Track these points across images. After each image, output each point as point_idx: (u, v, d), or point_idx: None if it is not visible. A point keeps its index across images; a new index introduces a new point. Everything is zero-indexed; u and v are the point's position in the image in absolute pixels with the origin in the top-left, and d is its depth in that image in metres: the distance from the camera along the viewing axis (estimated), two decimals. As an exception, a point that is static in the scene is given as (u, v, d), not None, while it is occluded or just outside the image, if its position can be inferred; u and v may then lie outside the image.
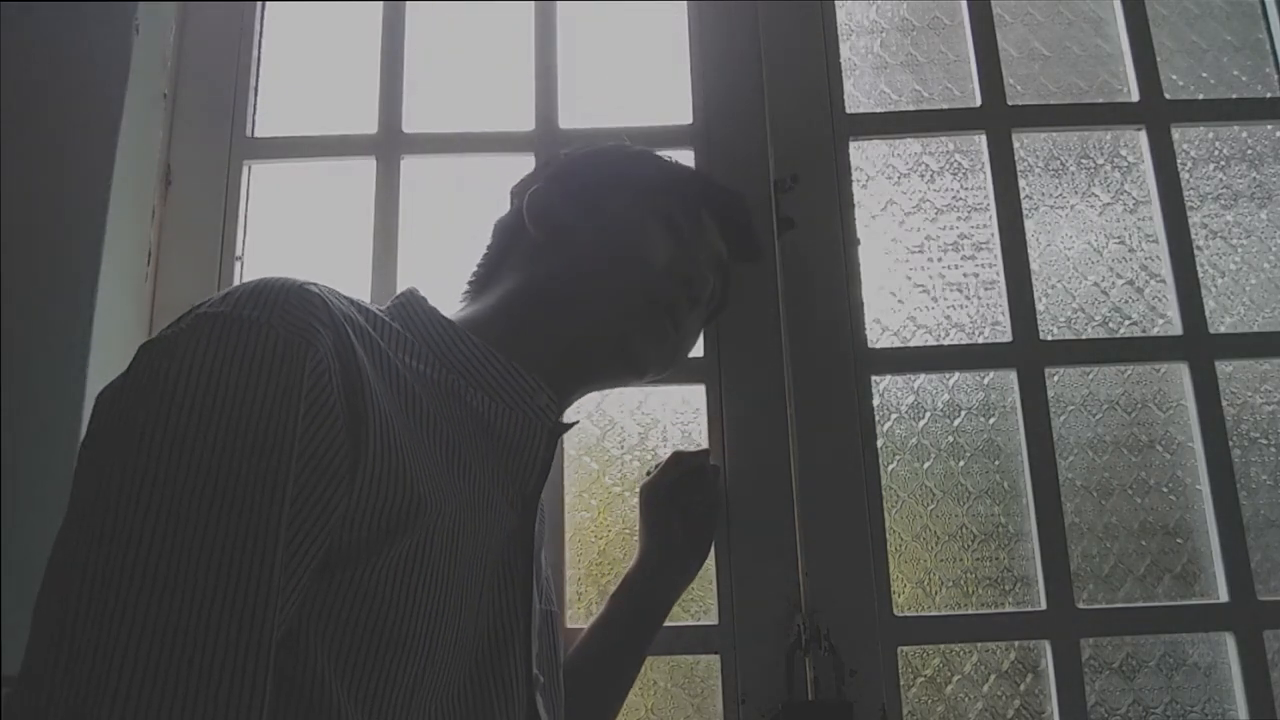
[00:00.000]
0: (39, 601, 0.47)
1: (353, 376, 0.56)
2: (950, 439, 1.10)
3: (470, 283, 0.84)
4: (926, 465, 1.09)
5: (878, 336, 1.12)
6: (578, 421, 0.82)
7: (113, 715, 0.42)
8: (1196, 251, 1.13)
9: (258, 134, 1.17)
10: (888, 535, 1.03)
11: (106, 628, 0.44)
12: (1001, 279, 1.11)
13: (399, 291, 0.74)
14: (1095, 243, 1.17)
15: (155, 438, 0.48)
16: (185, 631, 0.45)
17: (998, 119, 1.15)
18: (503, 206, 0.88)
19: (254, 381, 0.51)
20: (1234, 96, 1.21)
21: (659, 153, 0.88)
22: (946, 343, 1.13)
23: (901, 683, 0.99)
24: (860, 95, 1.21)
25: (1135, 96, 1.17)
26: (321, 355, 0.54)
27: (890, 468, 1.08)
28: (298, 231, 1.18)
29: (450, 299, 0.82)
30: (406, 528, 0.56)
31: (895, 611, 1.00)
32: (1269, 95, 1.21)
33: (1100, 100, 1.21)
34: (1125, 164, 1.19)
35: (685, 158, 1.13)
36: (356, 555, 0.54)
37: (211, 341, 0.52)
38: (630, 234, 0.78)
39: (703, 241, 0.84)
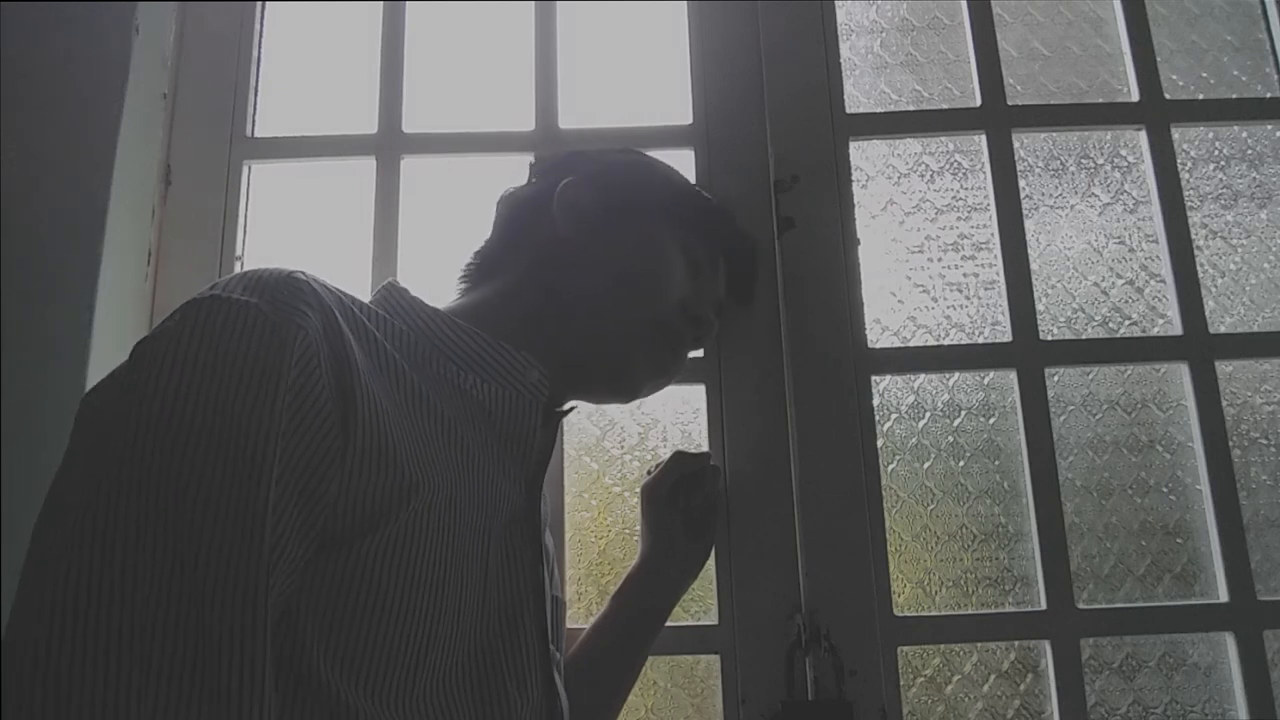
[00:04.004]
0: (22, 586, 0.47)
1: (341, 359, 0.56)
2: (950, 439, 1.10)
3: (470, 265, 0.83)
4: (926, 465, 1.09)
5: (878, 336, 1.12)
6: (575, 406, 0.83)
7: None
8: (1196, 251, 1.12)
9: (258, 134, 1.17)
10: (888, 535, 1.03)
11: (90, 617, 0.44)
12: (1001, 279, 1.11)
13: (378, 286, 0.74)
14: (1095, 243, 1.17)
15: (142, 422, 0.49)
16: (167, 612, 0.45)
17: (998, 119, 1.15)
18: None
19: (239, 362, 0.51)
20: (1234, 96, 1.21)
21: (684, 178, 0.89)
22: (946, 343, 1.13)
23: (901, 683, 0.99)
24: (860, 95, 1.21)
25: (1135, 96, 1.17)
26: (311, 339, 0.54)
27: (890, 468, 1.08)
28: (298, 231, 1.18)
29: (450, 299, 0.81)
30: (398, 507, 0.56)
31: (895, 611, 1.00)
32: (1269, 95, 1.21)
33: (1100, 100, 1.21)
34: (1125, 164, 1.19)
35: (685, 158, 1.14)
36: (350, 535, 0.54)
37: (199, 323, 0.52)
38: (655, 257, 0.79)
39: (714, 283, 0.85)
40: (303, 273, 0.59)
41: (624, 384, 0.79)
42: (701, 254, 0.82)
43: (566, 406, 0.82)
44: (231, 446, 0.49)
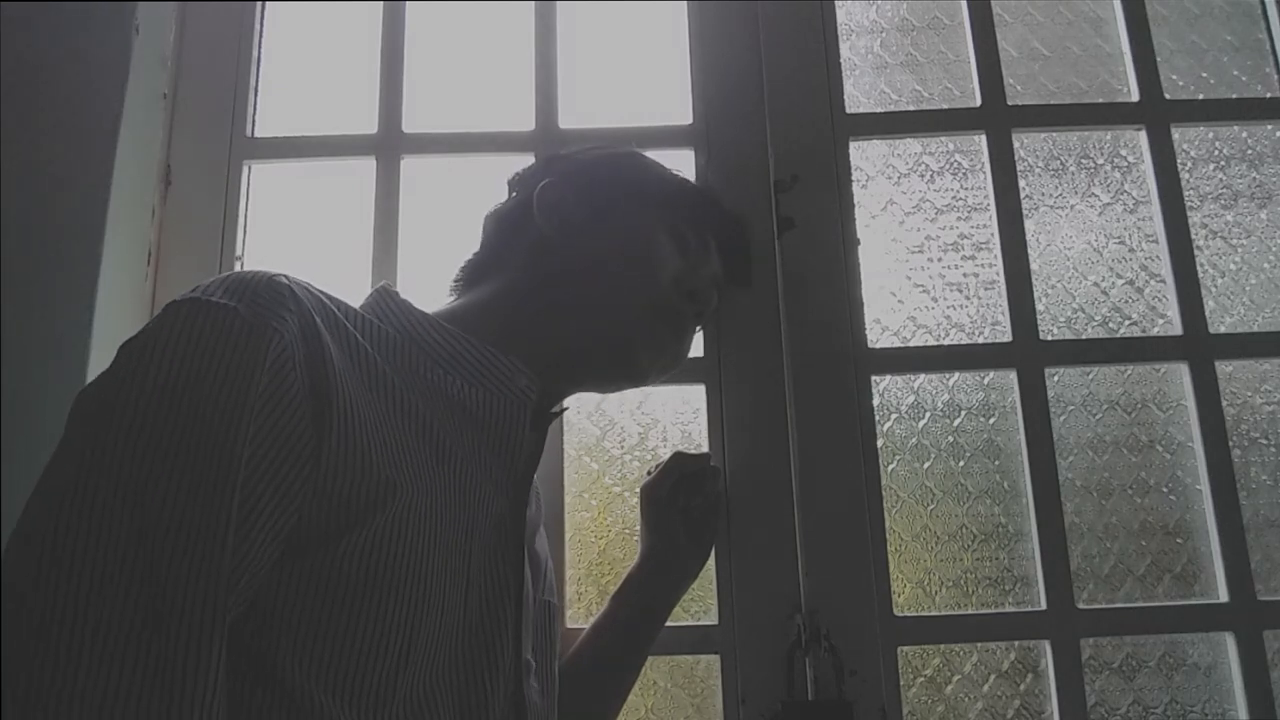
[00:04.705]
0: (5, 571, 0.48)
1: (317, 363, 0.56)
2: (950, 439, 1.10)
3: (460, 275, 0.84)
4: (926, 465, 1.09)
5: (878, 336, 1.12)
6: (567, 407, 0.83)
7: (63, 691, 0.44)
8: (1196, 251, 1.13)
9: (258, 134, 1.17)
10: (888, 535, 1.03)
11: (55, 603, 0.45)
12: (1001, 279, 1.11)
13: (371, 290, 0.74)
14: (1095, 243, 1.17)
15: (118, 417, 0.50)
16: (125, 606, 0.46)
17: (998, 119, 1.15)
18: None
19: (212, 365, 0.52)
20: (1234, 96, 1.21)
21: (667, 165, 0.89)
22: (946, 343, 1.13)
23: (901, 683, 0.99)
24: (860, 95, 1.21)
25: (1135, 96, 1.17)
26: (287, 342, 0.55)
27: (890, 468, 1.08)
28: (298, 231, 1.18)
29: (442, 304, 0.81)
30: (374, 510, 0.56)
31: (895, 611, 1.00)
32: (1269, 95, 1.21)
33: (1100, 100, 1.21)
34: (1125, 164, 1.19)
35: (685, 158, 1.14)
36: (326, 536, 0.54)
37: (178, 324, 0.53)
38: (641, 241, 0.79)
39: (707, 260, 0.85)
40: (285, 276, 0.59)
41: (629, 369, 0.79)
42: (687, 231, 0.83)
43: (556, 409, 0.82)
44: (199, 448, 0.50)
